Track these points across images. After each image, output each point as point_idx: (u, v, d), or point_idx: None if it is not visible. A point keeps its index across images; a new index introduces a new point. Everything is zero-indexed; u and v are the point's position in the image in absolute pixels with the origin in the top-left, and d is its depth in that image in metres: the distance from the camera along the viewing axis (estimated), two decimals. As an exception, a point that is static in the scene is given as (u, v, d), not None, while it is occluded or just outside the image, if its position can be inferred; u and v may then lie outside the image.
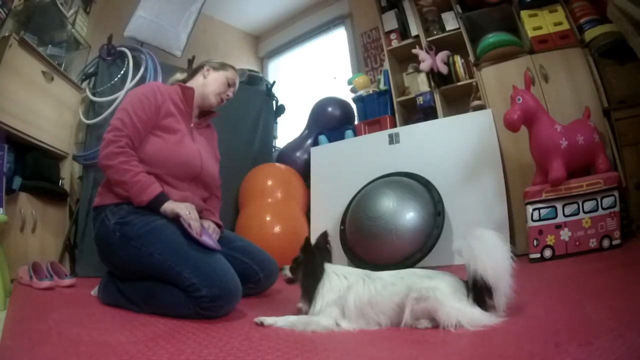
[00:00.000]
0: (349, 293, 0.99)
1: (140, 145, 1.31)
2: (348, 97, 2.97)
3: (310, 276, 1.05)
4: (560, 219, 1.66)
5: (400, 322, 0.92)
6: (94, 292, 1.46)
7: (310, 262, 1.07)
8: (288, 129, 3.55)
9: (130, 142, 1.27)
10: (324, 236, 1.13)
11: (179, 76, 1.58)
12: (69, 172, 2.44)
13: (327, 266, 1.06)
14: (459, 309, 0.85)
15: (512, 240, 1.95)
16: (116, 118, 1.30)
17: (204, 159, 1.43)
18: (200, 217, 1.39)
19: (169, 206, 1.24)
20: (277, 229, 2.38)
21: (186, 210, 1.24)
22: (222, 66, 1.55)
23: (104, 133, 1.30)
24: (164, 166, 1.32)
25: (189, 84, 1.51)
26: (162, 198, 1.25)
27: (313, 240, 1.13)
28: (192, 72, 1.57)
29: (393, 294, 0.95)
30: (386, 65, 2.77)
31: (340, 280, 1.03)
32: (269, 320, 1.01)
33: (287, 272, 1.15)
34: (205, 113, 1.58)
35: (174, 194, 1.31)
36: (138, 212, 1.25)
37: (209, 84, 1.50)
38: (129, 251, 1.21)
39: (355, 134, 2.66)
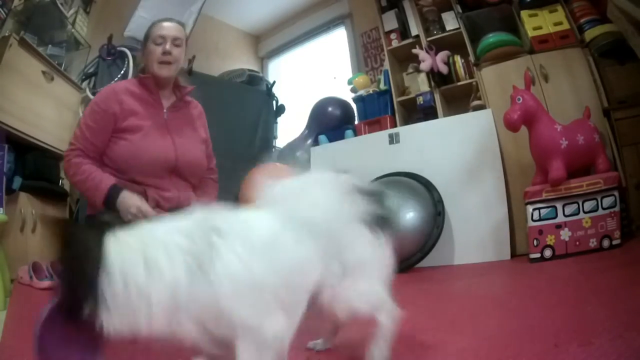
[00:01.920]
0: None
1: (106, 153, 1.26)
2: (348, 97, 2.97)
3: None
4: (561, 218, 1.65)
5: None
6: None
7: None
8: (288, 129, 3.55)
9: (82, 153, 1.23)
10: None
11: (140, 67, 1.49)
12: (69, 172, 2.43)
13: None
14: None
15: (512, 240, 1.95)
16: (74, 137, 1.28)
17: (178, 147, 1.32)
18: None
19: (119, 206, 1.15)
20: (277, 229, 2.37)
21: (132, 211, 1.14)
22: (145, 40, 1.38)
23: None
24: (135, 168, 1.25)
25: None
26: (112, 196, 1.16)
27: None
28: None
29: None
30: (386, 65, 2.77)
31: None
32: None
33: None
34: (177, 89, 1.44)
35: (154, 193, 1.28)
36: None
37: (148, 64, 1.35)
38: None
39: (355, 134, 2.66)
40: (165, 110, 1.37)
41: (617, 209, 1.61)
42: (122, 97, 1.31)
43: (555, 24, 2.12)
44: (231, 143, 2.76)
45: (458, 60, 2.44)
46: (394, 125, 2.56)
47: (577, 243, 1.62)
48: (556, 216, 1.66)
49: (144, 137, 1.28)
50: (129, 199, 1.16)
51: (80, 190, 1.25)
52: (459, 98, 2.53)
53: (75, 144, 1.24)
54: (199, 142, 1.44)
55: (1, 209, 1.59)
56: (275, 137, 3.39)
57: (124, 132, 1.27)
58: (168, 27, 1.35)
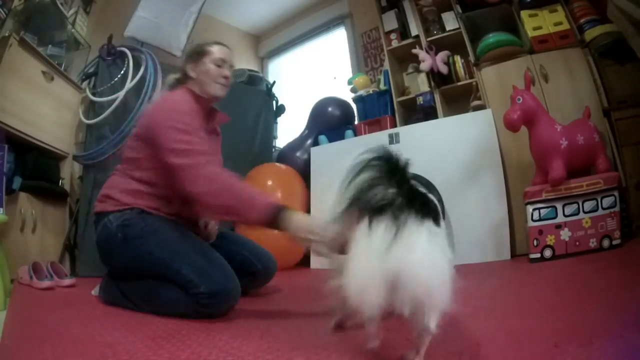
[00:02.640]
0: None
1: (154, 166, 1.23)
2: (348, 97, 2.97)
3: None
4: (560, 219, 1.66)
5: None
6: (94, 291, 1.46)
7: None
8: (288, 129, 3.56)
9: (204, 160, 1.14)
10: None
11: (172, 77, 1.44)
12: (69, 172, 2.44)
13: None
14: None
15: (512, 240, 1.95)
16: (180, 141, 1.13)
17: None
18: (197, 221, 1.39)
19: (294, 224, 1.03)
20: (277, 229, 2.37)
21: (320, 236, 0.99)
22: (200, 53, 1.37)
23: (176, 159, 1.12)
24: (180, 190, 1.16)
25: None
26: (280, 209, 1.06)
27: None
28: (183, 77, 1.40)
29: None
30: (386, 65, 2.77)
31: None
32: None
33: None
34: (211, 115, 1.45)
35: (173, 207, 1.29)
36: (140, 215, 1.25)
37: (203, 79, 1.35)
38: (130, 251, 1.21)
39: (355, 134, 2.66)
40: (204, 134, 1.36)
41: (617, 209, 1.61)
42: (195, 113, 1.27)
43: (555, 24, 2.12)
44: (231, 143, 2.75)
45: (458, 60, 2.44)
46: (394, 125, 2.56)
47: (577, 243, 1.62)
48: (556, 216, 1.66)
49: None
50: (305, 219, 1.06)
51: (222, 200, 1.08)
52: (459, 98, 2.53)
53: (192, 149, 1.13)
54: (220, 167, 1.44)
55: (1, 209, 1.59)
56: (275, 137, 3.39)
57: None
58: (229, 54, 1.40)
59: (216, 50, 1.37)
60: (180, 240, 1.21)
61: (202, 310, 1.10)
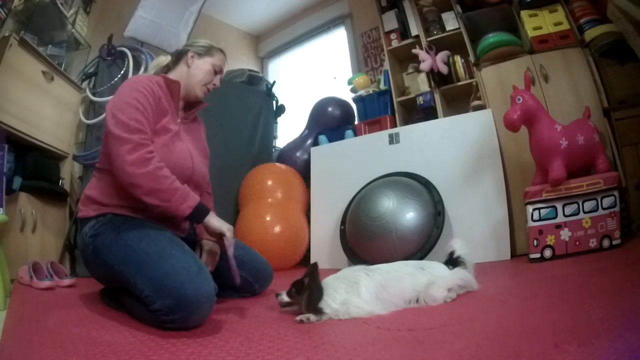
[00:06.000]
0: (359, 287, 1.11)
1: None
2: (348, 97, 2.97)
3: (315, 293, 1.09)
4: (561, 219, 1.66)
5: (409, 302, 1.13)
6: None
7: (315, 283, 1.11)
8: (288, 129, 3.56)
9: (153, 147, 1.15)
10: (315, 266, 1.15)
11: (163, 59, 1.42)
12: (69, 172, 2.44)
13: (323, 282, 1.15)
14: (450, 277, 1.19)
15: (512, 240, 1.95)
16: (130, 118, 1.12)
17: (194, 159, 1.32)
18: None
19: (213, 221, 1.15)
20: (277, 229, 2.38)
21: (230, 233, 1.18)
22: (208, 51, 1.38)
23: (114, 134, 1.11)
24: None
25: (172, 74, 1.36)
26: (204, 207, 1.16)
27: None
28: (176, 58, 1.41)
29: (400, 279, 1.16)
30: (386, 65, 2.77)
31: (339, 283, 1.13)
32: (313, 317, 1.05)
33: (284, 298, 1.15)
34: (191, 105, 1.42)
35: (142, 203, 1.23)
36: (111, 221, 1.18)
37: (194, 74, 1.35)
38: (100, 264, 1.15)
39: (355, 134, 2.66)
40: (179, 120, 1.36)
41: (617, 209, 1.61)
42: (164, 91, 1.28)
43: (555, 24, 2.12)
44: (231, 143, 2.77)
45: (458, 60, 2.44)
46: (394, 125, 2.57)
47: (577, 243, 1.62)
48: (556, 216, 1.66)
49: (169, 143, 1.24)
50: (219, 221, 1.18)
51: (155, 187, 1.08)
52: (459, 98, 2.53)
53: (145, 130, 1.13)
54: (205, 156, 1.46)
55: (1, 209, 1.59)
56: (275, 137, 3.39)
57: (154, 131, 1.21)
58: (225, 66, 1.42)
59: (220, 58, 1.41)
60: (138, 247, 1.08)
61: (168, 326, 0.99)
